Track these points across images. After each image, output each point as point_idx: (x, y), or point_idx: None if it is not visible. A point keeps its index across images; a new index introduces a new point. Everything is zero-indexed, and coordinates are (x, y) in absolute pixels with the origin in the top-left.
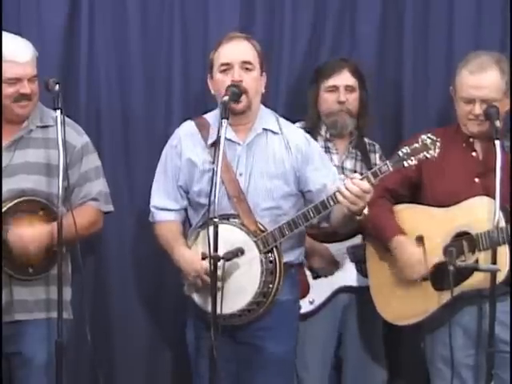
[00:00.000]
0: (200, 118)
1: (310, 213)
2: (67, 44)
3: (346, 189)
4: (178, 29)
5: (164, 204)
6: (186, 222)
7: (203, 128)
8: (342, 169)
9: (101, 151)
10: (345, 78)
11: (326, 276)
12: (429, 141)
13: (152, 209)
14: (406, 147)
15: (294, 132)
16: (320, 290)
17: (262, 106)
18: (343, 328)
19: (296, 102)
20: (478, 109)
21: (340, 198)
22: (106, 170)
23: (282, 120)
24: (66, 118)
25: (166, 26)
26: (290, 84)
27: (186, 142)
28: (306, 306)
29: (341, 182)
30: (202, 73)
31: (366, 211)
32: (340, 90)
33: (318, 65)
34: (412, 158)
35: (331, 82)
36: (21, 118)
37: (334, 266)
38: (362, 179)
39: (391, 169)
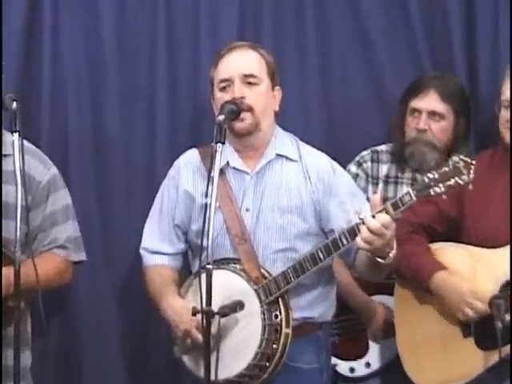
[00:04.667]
0: (207, 145)
1: (320, 253)
2: (26, 52)
3: (363, 223)
4: (163, 33)
5: (157, 247)
6: (184, 270)
7: (207, 156)
8: None
9: (68, 184)
10: (430, 102)
11: (385, 338)
12: (462, 163)
13: (142, 252)
14: (434, 172)
15: (317, 159)
16: (379, 352)
17: (279, 129)
18: None
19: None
20: None
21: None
22: (76, 208)
23: (303, 145)
24: (29, 145)
25: (147, 29)
26: None
27: (184, 172)
28: (361, 368)
29: (355, 217)
30: (191, 87)
31: (392, 254)
32: (422, 115)
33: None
34: (440, 184)
35: (414, 103)
36: None
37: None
38: (379, 211)
39: (414, 198)
